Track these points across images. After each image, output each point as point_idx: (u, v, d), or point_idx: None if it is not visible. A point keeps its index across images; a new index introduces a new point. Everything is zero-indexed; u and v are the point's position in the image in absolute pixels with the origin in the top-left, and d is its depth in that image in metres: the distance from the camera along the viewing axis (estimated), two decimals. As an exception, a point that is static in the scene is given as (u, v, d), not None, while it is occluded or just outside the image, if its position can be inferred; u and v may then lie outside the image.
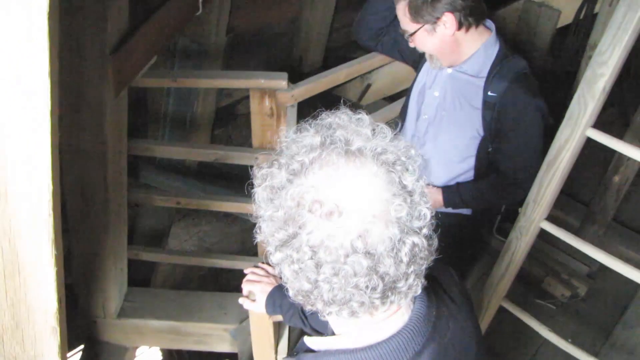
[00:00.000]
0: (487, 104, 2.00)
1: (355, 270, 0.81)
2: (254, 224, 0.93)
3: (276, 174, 0.87)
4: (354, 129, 0.88)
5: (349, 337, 0.95)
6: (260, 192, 0.88)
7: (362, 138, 0.86)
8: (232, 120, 4.48)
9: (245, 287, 1.75)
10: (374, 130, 0.88)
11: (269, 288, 1.70)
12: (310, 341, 1.03)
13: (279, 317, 1.73)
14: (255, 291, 1.72)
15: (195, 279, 5.04)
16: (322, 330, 1.38)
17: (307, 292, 0.86)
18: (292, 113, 2.42)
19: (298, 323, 1.61)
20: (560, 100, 3.79)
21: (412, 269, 0.85)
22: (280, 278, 1.73)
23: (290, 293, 0.91)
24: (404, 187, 0.84)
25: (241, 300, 1.75)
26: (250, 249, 4.60)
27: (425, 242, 0.85)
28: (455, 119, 2.10)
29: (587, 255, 2.05)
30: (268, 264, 1.85)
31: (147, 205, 3.69)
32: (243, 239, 5.12)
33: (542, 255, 3.63)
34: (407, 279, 0.85)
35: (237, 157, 2.49)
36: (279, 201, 0.85)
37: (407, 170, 0.85)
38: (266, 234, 0.88)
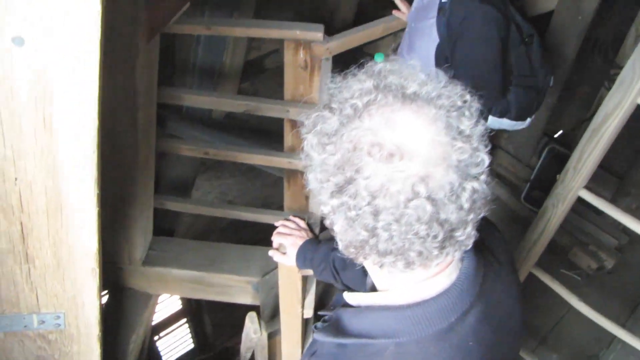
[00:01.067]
0: (440, 10, 2.09)
1: (419, 215, 0.77)
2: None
3: (328, 119, 0.83)
4: (406, 73, 0.84)
5: (393, 293, 0.92)
6: (310, 138, 0.84)
7: (416, 83, 0.83)
8: (259, 74, 4.43)
9: (276, 239, 1.73)
10: (427, 75, 0.84)
11: (300, 241, 1.69)
12: (350, 297, 1.00)
13: (309, 272, 1.72)
14: (286, 244, 1.71)
15: (216, 231, 5.09)
16: (354, 287, 1.36)
17: (362, 241, 0.82)
18: (327, 66, 2.35)
19: (329, 278, 1.59)
20: (599, 67, 3.67)
21: (471, 216, 0.81)
22: (312, 233, 1.72)
23: (341, 245, 0.87)
24: (462, 132, 0.80)
25: (271, 253, 1.74)
26: (272, 204, 4.61)
27: (485, 188, 0.81)
28: (419, 28, 2.23)
29: (616, 227, 2.01)
30: (298, 217, 1.85)
31: (172, 156, 3.68)
32: (265, 194, 5.13)
33: (570, 226, 3.57)
34: (465, 228, 0.82)
35: (267, 109, 2.43)
36: (333, 146, 0.81)
37: (464, 115, 0.82)
38: (319, 181, 0.84)
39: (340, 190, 0.80)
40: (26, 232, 0.91)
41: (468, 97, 0.84)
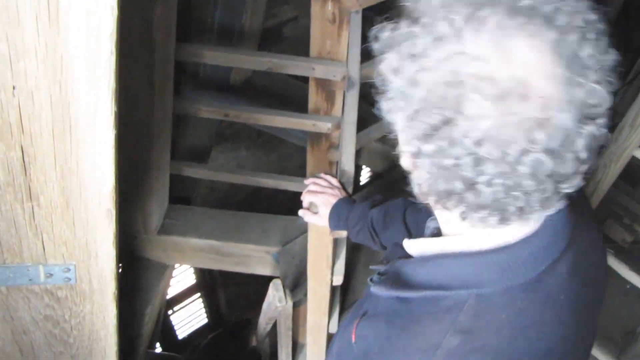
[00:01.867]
0: None
1: (534, 169, 0.61)
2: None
3: (417, 37, 0.64)
4: None
5: (471, 237, 0.76)
6: (392, 58, 0.66)
7: None
8: (277, 42, 4.28)
9: (307, 198, 1.59)
10: None
11: (334, 200, 1.54)
12: (412, 244, 0.83)
13: (342, 233, 1.57)
14: (317, 203, 1.56)
15: (232, 205, 5.00)
16: (395, 249, 1.21)
17: (450, 192, 0.67)
18: (356, 20, 2.19)
19: (366, 240, 1.45)
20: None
21: (584, 167, 0.65)
22: (345, 192, 1.57)
23: (417, 190, 0.72)
24: (585, 63, 0.62)
25: (301, 212, 1.60)
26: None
27: (604, 133, 0.64)
28: None
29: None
30: (330, 174, 1.70)
31: (188, 124, 3.57)
32: (282, 166, 5.04)
33: (604, 197, 3.42)
34: (574, 180, 0.66)
35: (292, 66, 2.28)
36: (425, 74, 0.63)
37: (586, 39, 0.63)
38: (405, 118, 0.67)
39: (433, 132, 0.63)
40: (28, 159, 0.75)
41: (591, 16, 0.64)
